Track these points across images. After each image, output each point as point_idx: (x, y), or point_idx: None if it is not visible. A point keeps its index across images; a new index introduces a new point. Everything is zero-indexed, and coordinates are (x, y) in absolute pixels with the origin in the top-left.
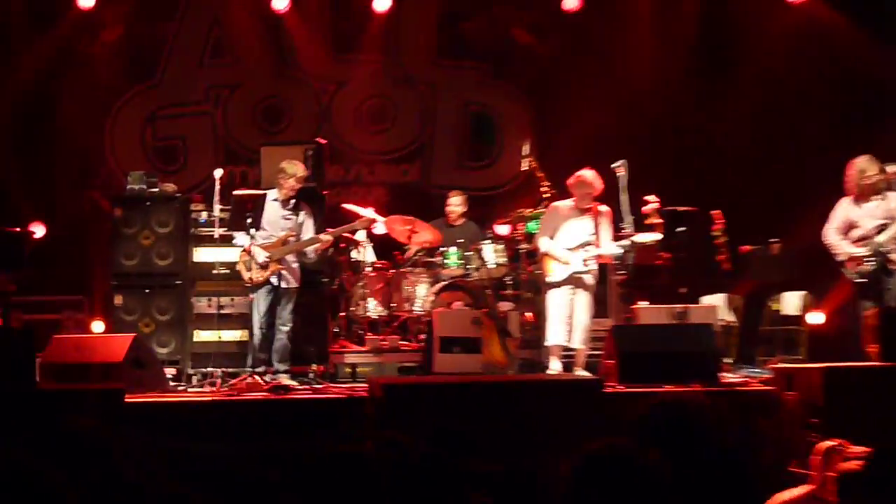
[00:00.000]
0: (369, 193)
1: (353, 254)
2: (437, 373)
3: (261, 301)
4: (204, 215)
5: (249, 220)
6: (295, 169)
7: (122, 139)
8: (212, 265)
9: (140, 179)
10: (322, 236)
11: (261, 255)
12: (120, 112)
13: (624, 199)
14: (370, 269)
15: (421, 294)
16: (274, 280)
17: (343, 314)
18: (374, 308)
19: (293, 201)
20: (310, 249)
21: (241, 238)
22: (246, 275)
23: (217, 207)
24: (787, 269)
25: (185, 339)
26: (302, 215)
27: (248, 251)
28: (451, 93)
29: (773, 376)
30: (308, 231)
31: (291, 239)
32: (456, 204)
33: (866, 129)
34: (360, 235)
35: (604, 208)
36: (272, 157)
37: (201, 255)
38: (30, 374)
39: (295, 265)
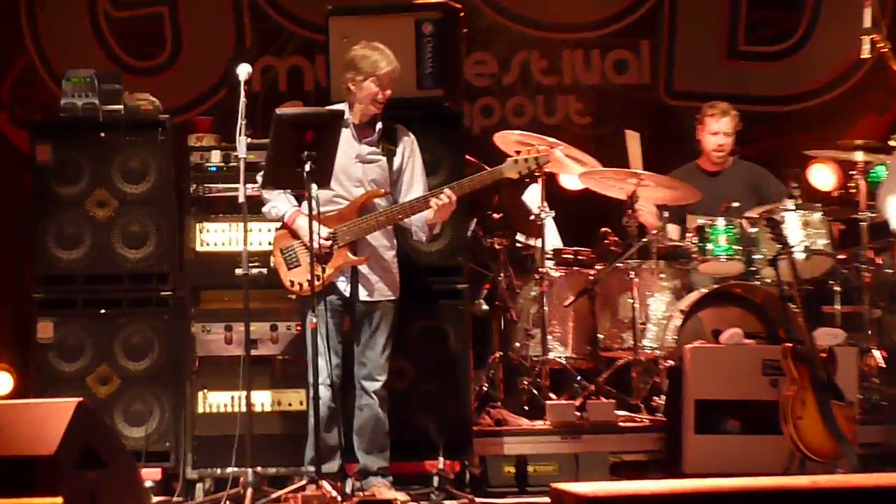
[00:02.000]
0: (549, 110)
1: (519, 235)
2: (691, 474)
3: (322, 330)
4: (216, 158)
5: (309, 167)
6: (377, 59)
7: (54, 9)
8: (232, 258)
9: (87, 86)
10: (437, 197)
11: (322, 232)
12: None
13: None
14: (552, 264)
15: (657, 313)
16: (342, 286)
17: (499, 356)
18: (560, 344)
19: (379, 127)
20: (418, 222)
21: (279, 200)
22: (286, 276)
23: (243, 142)
24: None
25: (182, 409)
26: (400, 155)
27: (288, 226)
28: None
29: None
30: (415, 185)
31: (380, 203)
32: (724, 129)
33: None
34: (531, 196)
35: None
36: (348, 35)
37: (212, 238)
38: None
39: (389, 255)
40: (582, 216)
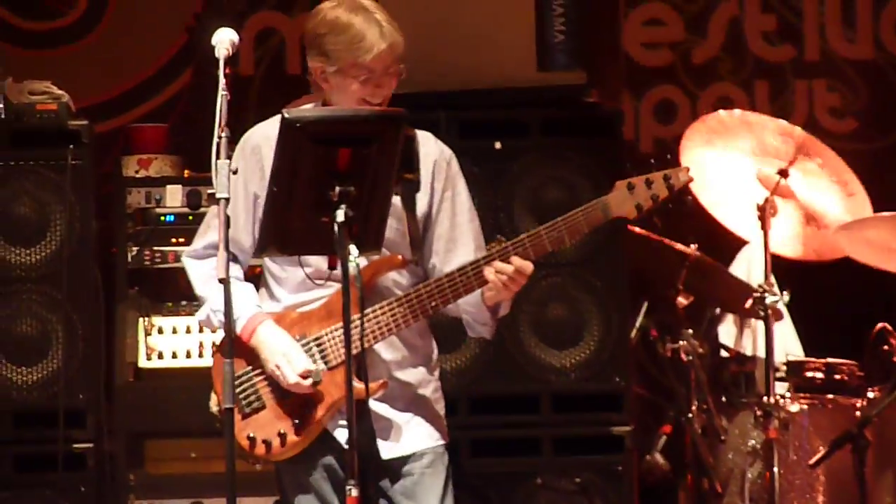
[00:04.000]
0: (780, 106)
1: (724, 336)
2: None
3: None
4: (175, 198)
5: (343, 216)
6: (359, 31)
7: None
8: (202, 381)
9: None
10: (491, 266)
11: (300, 358)
12: None
13: None
14: (787, 388)
15: None
16: (342, 436)
17: None
18: None
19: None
20: (470, 306)
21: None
22: (240, 429)
23: (224, 169)
24: None
25: None
26: (427, 188)
27: (244, 341)
28: None
29: None
30: (460, 241)
31: (397, 280)
32: None
33: None
34: (748, 264)
35: None
36: None
37: (167, 345)
38: None
39: (420, 371)
40: (843, 301)
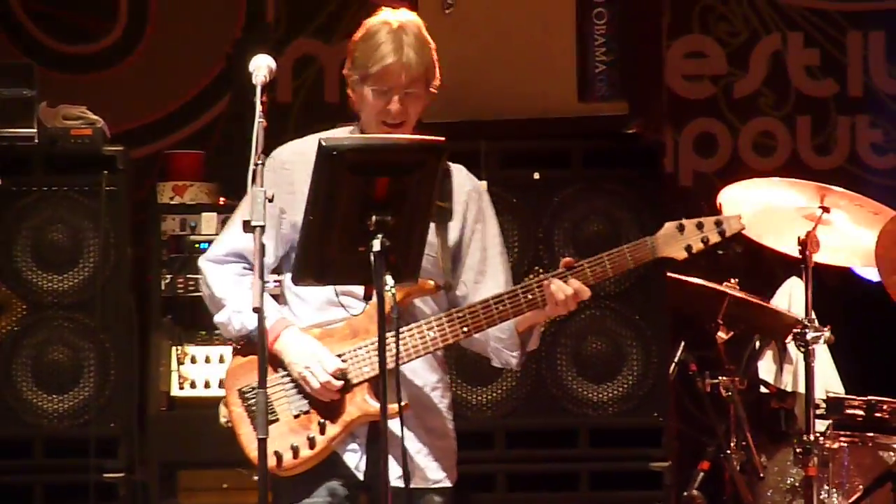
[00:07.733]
0: (821, 142)
1: (764, 372)
2: None
3: None
4: (210, 226)
5: (380, 245)
6: (374, 43)
7: None
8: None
9: None
10: (554, 284)
11: (330, 359)
12: None
13: None
14: (827, 425)
15: None
16: (352, 460)
17: None
18: None
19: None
20: (501, 332)
21: (242, 299)
22: (251, 441)
23: (260, 197)
24: None
25: None
26: (459, 217)
27: (268, 348)
28: None
29: None
30: (490, 271)
31: (420, 308)
32: None
33: None
34: (788, 299)
35: None
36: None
37: (200, 374)
38: None
39: (443, 402)
40: (885, 338)
